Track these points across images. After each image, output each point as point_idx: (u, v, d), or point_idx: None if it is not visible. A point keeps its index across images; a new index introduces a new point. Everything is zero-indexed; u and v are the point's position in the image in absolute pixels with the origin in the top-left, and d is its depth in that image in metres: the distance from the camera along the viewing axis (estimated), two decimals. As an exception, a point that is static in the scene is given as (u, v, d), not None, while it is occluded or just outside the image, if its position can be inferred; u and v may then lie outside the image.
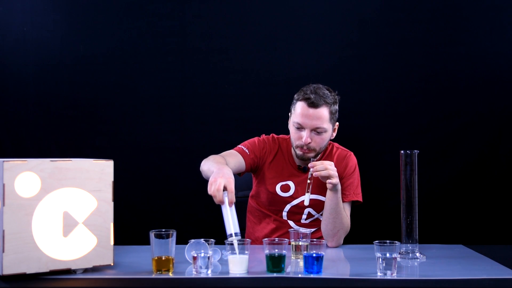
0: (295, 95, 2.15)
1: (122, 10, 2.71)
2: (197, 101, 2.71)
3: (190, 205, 2.71)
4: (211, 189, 1.76)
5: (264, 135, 2.28)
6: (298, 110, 2.10)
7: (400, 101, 2.66)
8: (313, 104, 2.07)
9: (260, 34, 2.70)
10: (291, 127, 2.16)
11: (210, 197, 2.35)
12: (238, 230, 1.71)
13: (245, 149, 2.20)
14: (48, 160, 1.60)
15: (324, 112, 2.09)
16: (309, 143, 2.10)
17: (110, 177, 1.69)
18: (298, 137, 2.12)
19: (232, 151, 2.20)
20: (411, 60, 2.65)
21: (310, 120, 2.08)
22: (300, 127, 2.11)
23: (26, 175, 1.56)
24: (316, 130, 2.09)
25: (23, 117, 2.71)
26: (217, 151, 2.61)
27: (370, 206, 2.64)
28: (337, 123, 2.20)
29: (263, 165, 2.22)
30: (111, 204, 1.69)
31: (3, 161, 1.54)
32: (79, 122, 2.70)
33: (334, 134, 2.21)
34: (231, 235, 1.70)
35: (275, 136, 2.28)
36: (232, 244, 1.65)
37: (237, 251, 1.64)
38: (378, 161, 2.65)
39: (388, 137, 2.65)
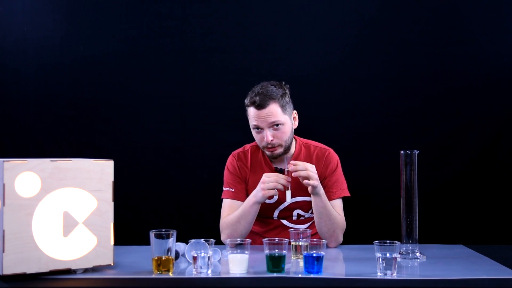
0: (245, 100, 2.17)
1: (122, 10, 2.70)
2: (197, 101, 2.70)
3: (190, 205, 2.71)
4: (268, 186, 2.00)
5: (231, 156, 2.27)
6: (251, 114, 2.14)
7: (400, 101, 2.65)
8: (260, 106, 2.10)
9: (260, 34, 2.69)
10: (252, 131, 2.18)
11: (210, 197, 2.36)
12: None
13: (230, 189, 2.21)
14: (48, 160, 1.60)
15: (273, 108, 2.10)
16: (272, 140, 2.12)
17: (110, 177, 1.69)
18: (261, 139, 2.14)
19: (226, 201, 2.20)
20: (411, 60, 2.65)
21: (265, 119, 2.10)
22: (259, 128, 2.13)
23: (26, 175, 1.56)
24: (274, 126, 2.11)
25: (23, 117, 2.70)
26: (217, 151, 2.62)
27: (370, 206, 2.64)
28: (295, 111, 2.21)
29: (246, 180, 2.23)
30: (111, 204, 1.69)
31: (3, 161, 1.54)
32: (79, 122, 2.70)
33: (296, 123, 2.22)
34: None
35: (246, 147, 2.28)
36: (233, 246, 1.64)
37: None
38: (378, 161, 2.64)
39: (388, 137, 2.65)
